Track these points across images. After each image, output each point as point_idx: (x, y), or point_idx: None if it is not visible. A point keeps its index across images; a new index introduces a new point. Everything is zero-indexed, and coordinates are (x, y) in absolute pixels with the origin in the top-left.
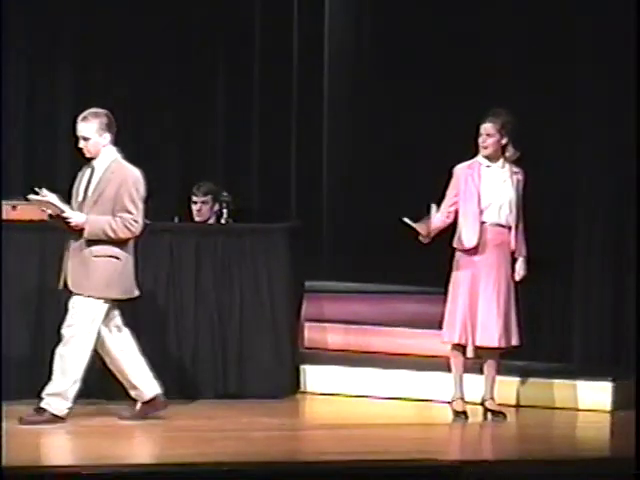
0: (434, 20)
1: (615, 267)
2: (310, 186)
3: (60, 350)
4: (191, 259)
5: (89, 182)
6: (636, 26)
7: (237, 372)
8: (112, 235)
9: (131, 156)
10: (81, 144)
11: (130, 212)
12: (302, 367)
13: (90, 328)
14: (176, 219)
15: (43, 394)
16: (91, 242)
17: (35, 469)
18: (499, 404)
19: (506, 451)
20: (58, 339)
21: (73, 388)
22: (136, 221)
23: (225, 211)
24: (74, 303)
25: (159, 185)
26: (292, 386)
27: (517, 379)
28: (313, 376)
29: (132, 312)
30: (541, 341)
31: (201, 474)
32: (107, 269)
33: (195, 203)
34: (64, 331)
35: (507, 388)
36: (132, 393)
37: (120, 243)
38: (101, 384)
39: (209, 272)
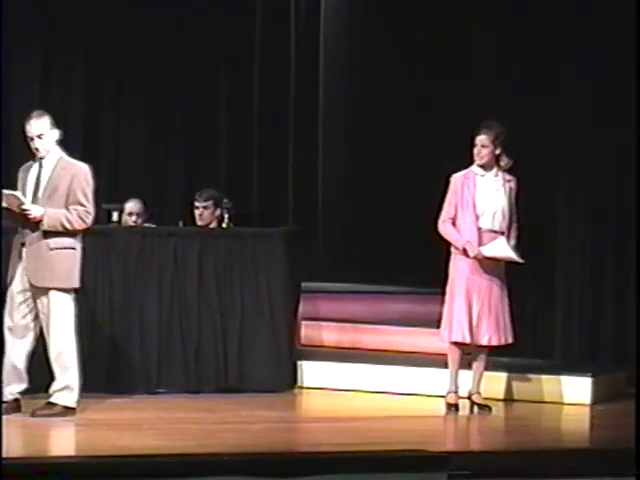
0: (430, 21)
1: (593, 274)
2: (306, 192)
3: (51, 350)
4: (194, 261)
5: (38, 179)
6: (636, 26)
7: (237, 368)
8: (68, 226)
9: (139, 166)
10: (36, 143)
11: (83, 205)
12: (299, 363)
13: (67, 318)
14: (180, 223)
15: (50, 391)
16: (48, 235)
17: (44, 460)
18: (486, 398)
19: (492, 442)
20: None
21: (76, 379)
22: (89, 212)
23: (227, 216)
24: (46, 302)
25: (165, 192)
26: (289, 381)
27: (503, 374)
28: (309, 372)
29: (140, 311)
30: (525, 339)
31: (203, 464)
32: (67, 260)
33: (197, 208)
34: (47, 331)
35: (494, 383)
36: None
37: (74, 235)
38: (106, 378)
39: (211, 273)
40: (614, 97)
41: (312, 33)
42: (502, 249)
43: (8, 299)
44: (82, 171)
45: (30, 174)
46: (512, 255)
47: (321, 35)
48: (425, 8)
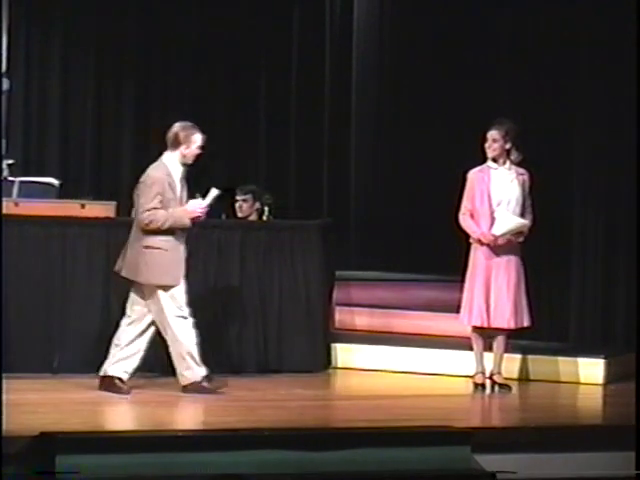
0: (454, 33)
1: (606, 260)
2: (340, 188)
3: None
4: (236, 251)
5: (182, 183)
6: (636, 26)
7: (276, 349)
8: None
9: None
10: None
11: None
12: (333, 345)
13: None
14: (223, 216)
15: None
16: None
17: (97, 434)
18: (506, 378)
19: (511, 419)
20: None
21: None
22: None
23: (267, 209)
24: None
25: (209, 188)
26: (324, 362)
27: (521, 356)
28: (342, 353)
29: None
30: (542, 323)
31: (244, 438)
32: None
33: (237, 201)
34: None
35: (513, 364)
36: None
37: None
38: (156, 359)
39: (252, 262)
40: (631, 86)
41: (345, 36)
42: (507, 219)
43: (170, 297)
44: None
45: (174, 179)
46: (519, 220)
47: (354, 37)
48: (450, 24)
